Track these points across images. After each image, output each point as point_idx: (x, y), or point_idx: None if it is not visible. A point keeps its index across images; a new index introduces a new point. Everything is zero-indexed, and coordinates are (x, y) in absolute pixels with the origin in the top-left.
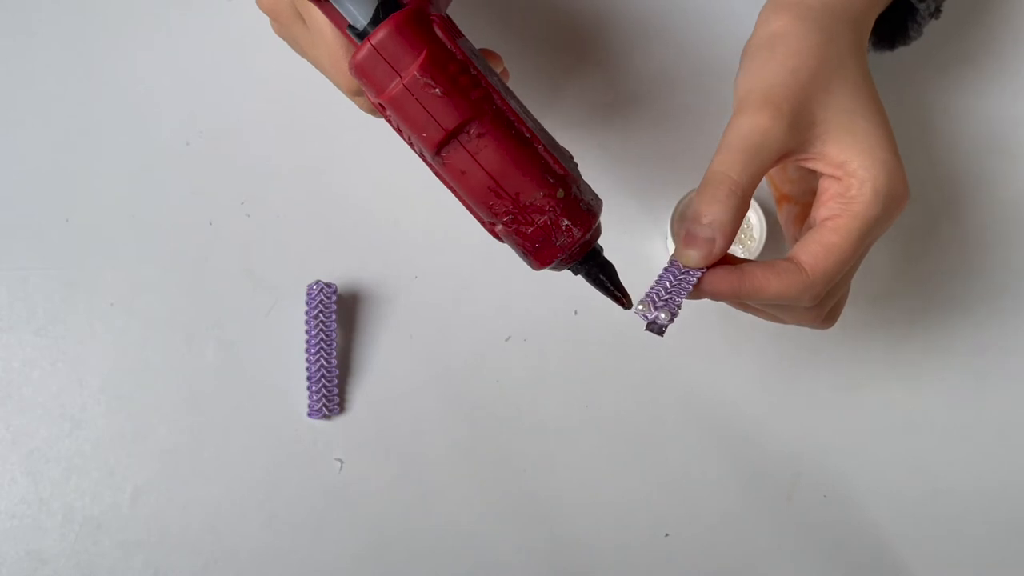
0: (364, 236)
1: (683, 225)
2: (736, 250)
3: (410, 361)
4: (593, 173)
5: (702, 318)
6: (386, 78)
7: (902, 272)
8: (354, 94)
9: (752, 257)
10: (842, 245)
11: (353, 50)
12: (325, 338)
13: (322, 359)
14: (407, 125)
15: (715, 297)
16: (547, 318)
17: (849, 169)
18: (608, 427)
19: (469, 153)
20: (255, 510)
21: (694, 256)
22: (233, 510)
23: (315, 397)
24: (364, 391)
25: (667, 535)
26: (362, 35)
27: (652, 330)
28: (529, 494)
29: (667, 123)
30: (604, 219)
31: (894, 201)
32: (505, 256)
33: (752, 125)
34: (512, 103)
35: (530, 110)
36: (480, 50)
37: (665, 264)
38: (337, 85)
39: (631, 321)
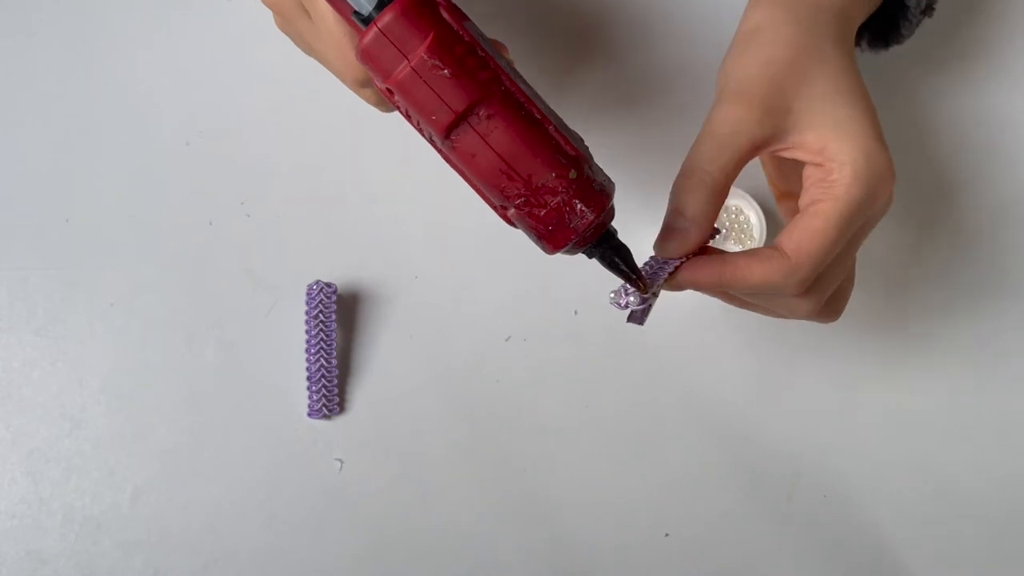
0: (364, 236)
1: None
2: (735, 250)
3: (410, 361)
4: None
5: (702, 318)
6: (394, 62)
7: (901, 272)
8: (360, 86)
9: None
10: (824, 228)
11: (358, 40)
12: (325, 338)
13: (322, 359)
14: (416, 109)
15: (699, 288)
16: (547, 318)
17: (828, 154)
18: (608, 427)
19: (479, 135)
20: (255, 510)
21: (668, 247)
22: (233, 510)
23: (315, 397)
24: (364, 391)
25: (667, 535)
26: (367, 21)
27: (631, 320)
28: (529, 494)
29: (667, 123)
30: None
31: (877, 183)
32: (505, 256)
33: (723, 116)
34: (521, 84)
35: None
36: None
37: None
38: (342, 77)
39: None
